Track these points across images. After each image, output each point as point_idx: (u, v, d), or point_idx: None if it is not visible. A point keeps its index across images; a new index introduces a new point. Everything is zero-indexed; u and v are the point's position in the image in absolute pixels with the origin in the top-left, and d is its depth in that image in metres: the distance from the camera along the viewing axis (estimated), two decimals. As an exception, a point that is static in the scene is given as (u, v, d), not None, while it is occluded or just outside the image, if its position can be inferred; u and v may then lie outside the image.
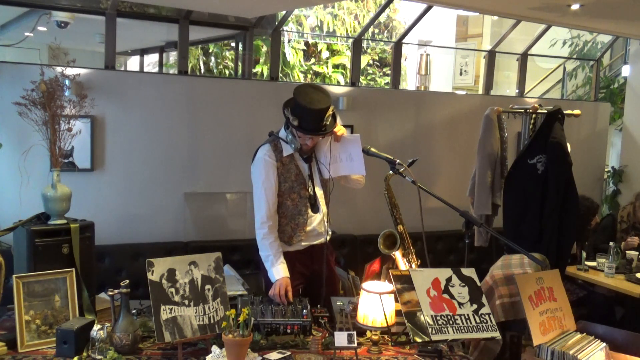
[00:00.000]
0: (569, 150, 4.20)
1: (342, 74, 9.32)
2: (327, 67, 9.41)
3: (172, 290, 2.45)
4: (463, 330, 2.39)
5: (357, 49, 5.57)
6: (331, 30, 9.41)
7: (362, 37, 5.74)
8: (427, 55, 6.75)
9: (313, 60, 9.46)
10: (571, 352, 2.49)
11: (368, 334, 2.67)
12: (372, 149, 2.95)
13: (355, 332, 2.49)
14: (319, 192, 3.08)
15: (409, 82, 9.48)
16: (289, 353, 2.48)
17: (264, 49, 7.91)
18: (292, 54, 8.84)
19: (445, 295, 2.47)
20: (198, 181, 4.66)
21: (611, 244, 4.49)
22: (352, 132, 4.96)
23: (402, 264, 3.13)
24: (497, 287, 3.09)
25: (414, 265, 3.12)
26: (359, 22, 9.58)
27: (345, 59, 9.31)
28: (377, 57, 10.15)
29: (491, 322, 2.45)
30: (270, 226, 2.96)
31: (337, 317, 2.76)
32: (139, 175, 4.45)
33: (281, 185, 2.99)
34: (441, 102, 5.69)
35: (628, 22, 5.14)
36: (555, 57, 7.92)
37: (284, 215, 3.03)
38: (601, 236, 5.10)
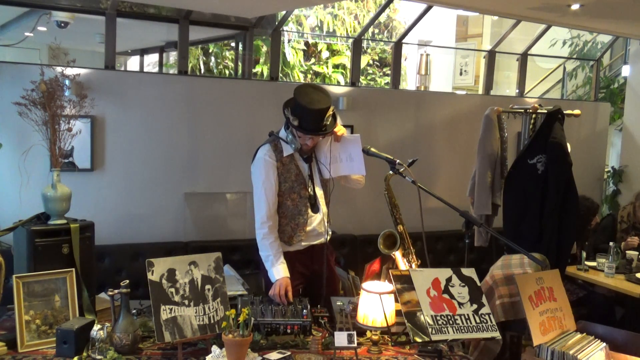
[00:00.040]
0: (569, 150, 4.20)
1: (342, 74, 9.32)
2: (327, 67, 9.41)
3: (172, 290, 2.45)
4: (463, 330, 2.39)
5: (357, 49, 5.57)
6: (331, 30, 9.41)
7: (362, 37, 5.74)
8: (427, 55, 6.75)
9: (313, 60, 9.46)
10: (571, 352, 2.49)
11: (368, 334, 2.67)
12: (372, 149, 2.95)
13: (355, 332, 2.49)
14: (319, 192, 3.08)
15: (409, 82, 9.48)
16: (289, 353, 2.48)
17: (264, 49, 7.91)
18: (292, 54, 8.84)
19: (445, 295, 2.47)
20: (198, 181, 4.66)
21: (611, 244, 4.49)
22: (352, 132, 4.96)
23: (402, 264, 3.13)
24: (497, 287, 3.09)
25: (414, 265, 3.12)
26: (359, 22, 9.58)
27: (345, 59, 9.31)
28: (377, 57, 10.15)
29: (491, 322, 2.45)
30: (271, 226, 2.96)
31: (337, 317, 2.77)
32: (139, 175, 4.45)
33: (281, 185, 2.99)
34: (441, 102, 5.69)
35: (628, 22, 5.14)
36: (555, 57, 7.92)
37: (284, 215, 3.03)
38: (601, 236, 5.10)
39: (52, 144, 2.75)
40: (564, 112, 4.24)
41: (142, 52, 7.52)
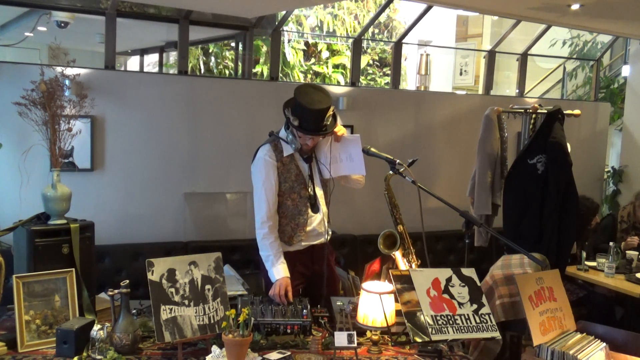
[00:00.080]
0: (569, 150, 4.20)
1: (342, 74, 9.32)
2: (327, 67, 9.41)
3: (172, 290, 2.45)
4: (463, 330, 2.39)
5: (357, 49, 5.57)
6: (331, 30, 9.42)
7: (362, 37, 5.74)
8: (427, 55, 6.76)
9: (313, 60, 9.47)
10: (571, 352, 2.49)
11: (368, 334, 2.67)
12: (372, 149, 2.95)
13: (355, 332, 2.49)
14: (319, 192, 3.08)
15: (409, 82, 9.48)
16: (289, 353, 2.48)
17: (264, 49, 7.91)
18: (292, 54, 8.84)
19: (445, 295, 2.47)
20: (198, 181, 4.66)
21: (611, 244, 4.49)
22: (352, 132, 4.96)
23: (402, 264, 3.13)
24: (497, 287, 3.09)
25: (414, 265, 3.12)
26: (359, 22, 9.58)
27: (345, 59, 9.31)
28: (377, 57, 10.15)
29: (491, 322, 2.45)
30: (271, 226, 2.96)
31: (337, 317, 2.76)
32: (139, 175, 4.45)
33: (281, 185, 2.99)
34: (441, 102, 5.69)
35: (628, 22, 5.14)
36: (555, 57, 7.92)
37: (284, 215, 3.03)
38: (601, 236, 5.10)
39: (52, 144, 2.75)
40: (564, 112, 4.24)
41: (142, 52, 7.52)
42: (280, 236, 3.02)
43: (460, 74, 9.77)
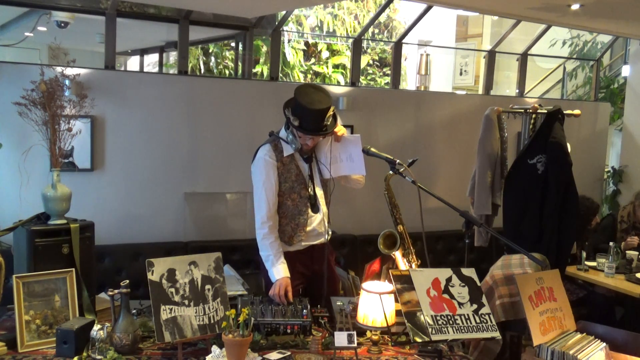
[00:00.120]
0: (569, 150, 4.20)
1: (342, 74, 9.32)
2: (327, 67, 9.41)
3: (172, 290, 2.45)
4: (463, 330, 2.39)
5: (357, 49, 5.57)
6: (331, 30, 9.42)
7: (362, 37, 5.74)
8: (427, 55, 6.76)
9: (313, 60, 9.47)
10: (571, 352, 2.49)
11: (368, 334, 2.67)
12: (372, 149, 2.94)
13: (355, 332, 2.49)
14: (319, 192, 3.08)
15: (409, 82, 9.48)
16: (289, 353, 2.48)
17: (264, 49, 7.91)
18: (292, 54, 8.84)
19: (445, 295, 2.47)
20: (198, 181, 4.66)
21: (611, 244, 4.49)
22: (352, 132, 4.96)
23: (402, 264, 3.13)
24: (497, 287, 3.09)
25: (414, 265, 3.12)
26: (359, 22, 9.58)
27: (345, 59, 9.32)
28: (377, 57, 10.15)
29: (491, 322, 2.45)
30: (271, 226, 2.96)
31: (337, 317, 2.76)
32: (139, 176, 4.45)
33: (281, 185, 2.99)
34: (441, 102, 5.69)
35: (628, 22, 5.14)
36: (555, 57, 7.92)
37: (284, 215, 3.03)
38: (601, 236, 5.10)
39: (52, 144, 2.75)
40: (564, 112, 4.24)
41: (142, 52, 7.52)
42: (281, 236, 3.02)
43: (460, 74, 9.77)
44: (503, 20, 8.17)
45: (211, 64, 8.56)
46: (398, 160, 2.84)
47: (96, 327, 2.40)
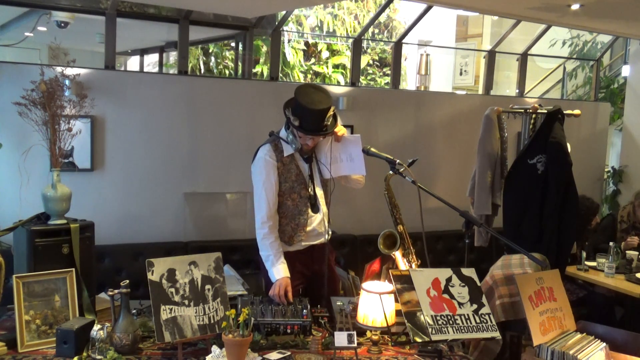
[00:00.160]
0: (569, 150, 4.20)
1: (342, 74, 9.32)
2: (327, 67, 9.41)
3: (172, 290, 2.45)
4: (463, 330, 2.39)
5: (357, 49, 5.57)
6: (331, 30, 9.42)
7: (362, 37, 5.74)
8: (427, 55, 6.76)
9: (313, 60, 9.47)
10: (571, 352, 2.49)
11: (368, 334, 2.67)
12: (372, 149, 2.94)
13: (355, 332, 2.49)
14: (319, 192, 3.08)
15: (409, 82, 9.48)
16: (289, 353, 2.48)
17: (264, 49, 7.91)
18: (292, 54, 8.84)
19: (445, 295, 2.47)
20: (198, 181, 4.66)
21: (611, 244, 4.49)
22: (352, 132, 4.96)
23: (402, 264, 3.13)
24: (497, 287, 3.09)
25: (414, 265, 3.12)
26: (359, 22, 9.58)
27: (345, 59, 9.32)
28: (377, 57, 10.15)
29: (491, 322, 2.45)
30: (271, 226, 2.96)
31: (337, 317, 2.76)
32: (139, 176, 4.45)
33: (281, 185, 2.99)
34: (441, 102, 5.69)
35: (628, 22, 5.14)
36: (555, 57, 7.92)
37: (284, 215, 3.03)
38: (601, 236, 5.10)
39: (52, 144, 2.75)
40: (564, 112, 4.24)
41: (142, 52, 7.52)
42: (281, 236, 3.02)
43: (460, 74, 9.77)
44: (503, 20, 8.17)
45: (211, 64, 8.56)
46: (398, 160, 2.84)
47: (96, 327, 2.40)
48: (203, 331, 2.45)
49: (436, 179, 5.52)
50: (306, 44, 9.25)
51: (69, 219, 2.81)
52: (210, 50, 8.50)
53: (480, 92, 7.32)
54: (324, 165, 3.04)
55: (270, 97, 4.78)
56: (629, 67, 6.79)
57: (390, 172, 2.93)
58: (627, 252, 4.73)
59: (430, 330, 2.33)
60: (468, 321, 2.42)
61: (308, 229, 3.05)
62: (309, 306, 2.76)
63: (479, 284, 2.58)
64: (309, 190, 3.02)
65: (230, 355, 2.29)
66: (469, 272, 2.59)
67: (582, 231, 4.87)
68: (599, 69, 7.12)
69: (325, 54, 9.41)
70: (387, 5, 5.96)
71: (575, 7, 4.37)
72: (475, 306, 2.48)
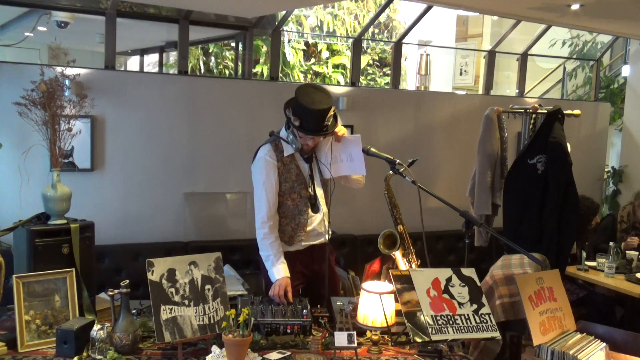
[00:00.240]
0: (569, 150, 4.20)
1: (342, 74, 9.32)
2: (327, 67, 9.41)
3: (172, 290, 2.45)
4: (463, 330, 2.39)
5: (357, 49, 5.57)
6: (331, 30, 9.41)
7: (362, 37, 5.74)
8: (427, 55, 6.75)
9: (313, 60, 9.47)
10: (571, 352, 2.49)
11: (368, 334, 2.67)
12: (372, 149, 2.94)
13: (355, 332, 2.49)
14: (320, 192, 3.08)
15: (409, 82, 9.48)
16: (289, 353, 2.48)
17: (264, 49, 7.91)
18: (292, 54, 8.84)
19: (445, 295, 2.47)
20: (198, 181, 4.66)
21: (611, 244, 4.49)
22: (352, 132, 4.96)
23: (402, 264, 3.13)
24: (497, 287, 3.09)
25: (414, 265, 3.12)
26: (359, 22, 9.58)
27: (345, 59, 9.32)
28: (377, 57, 10.15)
29: (491, 322, 2.45)
30: (271, 226, 2.96)
31: (337, 317, 2.76)
32: (139, 176, 4.45)
33: (282, 185, 2.99)
34: (441, 102, 5.69)
35: (628, 22, 5.14)
36: (555, 57, 7.92)
37: (284, 215, 3.03)
38: (601, 236, 5.10)
39: (52, 144, 2.75)
40: (564, 112, 4.24)
41: (142, 52, 7.52)
42: (281, 236, 3.02)
43: (460, 74, 9.77)
44: (503, 20, 8.17)
45: (211, 64, 8.56)
46: (398, 160, 2.84)
47: (96, 327, 2.40)
48: (203, 331, 2.45)
49: (436, 179, 5.52)
50: (306, 44, 9.25)
51: (69, 219, 2.81)
52: (210, 50, 8.50)
53: (480, 92, 7.32)
54: (324, 165, 3.04)
55: (270, 97, 4.78)
56: (629, 67, 6.79)
57: (390, 172, 2.93)
58: (627, 252, 4.72)
59: (430, 330, 2.33)
60: (468, 321, 2.42)
61: (308, 229, 3.05)
62: (309, 306, 2.76)
63: (479, 284, 2.58)
64: (309, 190, 3.02)
65: (230, 355, 2.29)
66: (469, 272, 2.59)
67: (582, 231, 4.87)
68: (599, 69, 7.12)
69: (325, 54, 9.41)
70: (387, 5, 5.96)
71: (575, 7, 4.37)
72: (475, 306, 2.48)
